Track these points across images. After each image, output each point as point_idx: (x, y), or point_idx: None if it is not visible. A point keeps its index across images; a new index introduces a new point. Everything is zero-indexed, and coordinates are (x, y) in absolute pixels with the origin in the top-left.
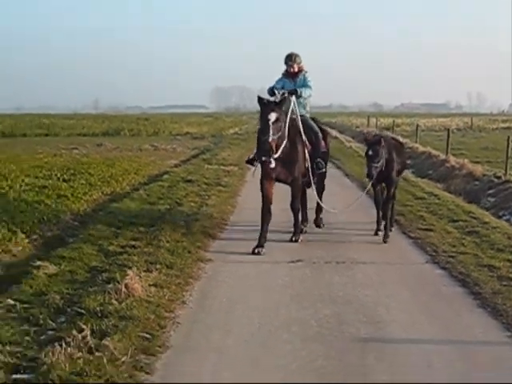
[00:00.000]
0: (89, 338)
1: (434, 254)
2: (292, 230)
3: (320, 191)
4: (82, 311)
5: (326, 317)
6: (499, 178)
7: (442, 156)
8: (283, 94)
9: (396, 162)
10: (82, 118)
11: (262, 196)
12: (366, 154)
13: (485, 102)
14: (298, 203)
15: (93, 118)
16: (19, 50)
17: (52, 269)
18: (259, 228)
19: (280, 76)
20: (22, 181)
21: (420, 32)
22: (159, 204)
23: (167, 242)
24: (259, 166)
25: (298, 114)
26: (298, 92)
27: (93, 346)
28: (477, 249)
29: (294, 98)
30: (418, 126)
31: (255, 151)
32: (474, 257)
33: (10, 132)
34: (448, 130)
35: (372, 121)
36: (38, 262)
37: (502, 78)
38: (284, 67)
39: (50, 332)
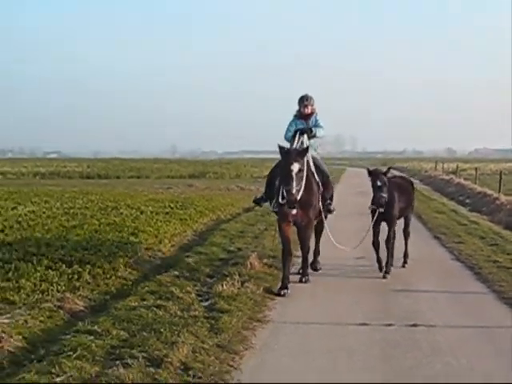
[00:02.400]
0: (236, 283)
1: (458, 255)
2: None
3: (319, 233)
4: (226, 274)
5: None
6: None
7: (495, 195)
8: (310, 131)
9: (397, 200)
10: (168, 162)
11: (282, 239)
12: (374, 184)
13: None
14: (308, 244)
15: (177, 163)
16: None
17: (195, 258)
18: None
19: (292, 118)
20: (147, 208)
21: (496, 72)
22: (257, 225)
23: (267, 247)
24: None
25: (311, 156)
26: (313, 131)
27: (238, 287)
28: (491, 253)
29: (306, 139)
30: (476, 169)
31: (263, 193)
32: (486, 257)
33: (104, 174)
34: (500, 172)
35: (440, 165)
36: (186, 254)
37: None
38: (296, 108)
39: (210, 282)
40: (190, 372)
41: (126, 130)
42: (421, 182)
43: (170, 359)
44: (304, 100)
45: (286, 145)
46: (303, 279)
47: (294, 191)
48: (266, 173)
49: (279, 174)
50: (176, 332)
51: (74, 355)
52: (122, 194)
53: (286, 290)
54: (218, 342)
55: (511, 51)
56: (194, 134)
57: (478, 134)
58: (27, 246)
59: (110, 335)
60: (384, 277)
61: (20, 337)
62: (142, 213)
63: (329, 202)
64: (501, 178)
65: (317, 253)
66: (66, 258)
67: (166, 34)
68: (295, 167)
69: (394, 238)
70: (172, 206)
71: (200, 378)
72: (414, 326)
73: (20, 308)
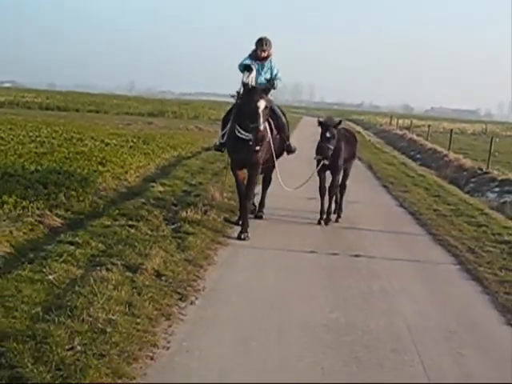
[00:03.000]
0: (199, 211)
1: (403, 202)
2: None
3: (267, 183)
4: (189, 203)
5: None
6: (481, 169)
7: (445, 152)
8: (270, 83)
9: (343, 151)
10: (127, 99)
11: (237, 183)
12: (322, 135)
13: None
14: (253, 190)
15: (135, 100)
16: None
17: (159, 189)
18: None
19: (247, 56)
20: (111, 141)
21: (461, 39)
22: (216, 163)
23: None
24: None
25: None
26: (275, 85)
27: (201, 214)
28: (433, 202)
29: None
30: (429, 126)
31: (220, 136)
32: (428, 205)
33: (63, 106)
34: (451, 130)
35: (395, 121)
36: (151, 184)
37: None
38: (252, 48)
39: (175, 210)
40: (163, 278)
41: (83, 61)
42: (375, 135)
43: (144, 267)
44: (263, 43)
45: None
46: (242, 235)
47: (261, 127)
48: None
49: (241, 112)
50: (148, 246)
51: (61, 259)
52: (85, 127)
53: (246, 234)
54: (184, 257)
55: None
56: (152, 71)
57: (436, 92)
58: (4, 167)
59: (89, 246)
60: (319, 222)
61: (8, 244)
62: (107, 145)
63: (288, 143)
64: (451, 137)
65: (262, 204)
66: (42, 180)
67: None
68: (262, 104)
69: (337, 186)
70: (135, 140)
71: (171, 283)
72: (356, 256)
73: (4, 221)
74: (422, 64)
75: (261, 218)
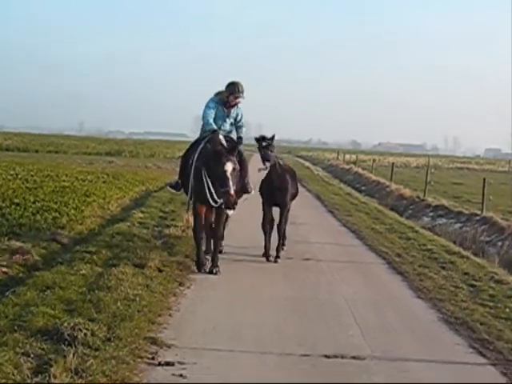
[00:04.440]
0: (179, 229)
1: (345, 223)
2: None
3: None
4: (168, 225)
5: None
6: (419, 197)
7: (388, 183)
8: (238, 141)
9: (290, 186)
10: (80, 139)
11: (196, 220)
12: (260, 146)
13: (460, 146)
14: (222, 230)
15: (90, 140)
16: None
17: (140, 215)
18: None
19: (213, 97)
20: (85, 177)
21: (402, 77)
22: (182, 195)
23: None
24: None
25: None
26: (241, 134)
27: (181, 232)
28: (371, 223)
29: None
30: (373, 160)
31: (178, 178)
32: (367, 225)
33: (24, 148)
34: (392, 164)
35: (342, 156)
36: (132, 211)
37: (478, 124)
38: (219, 89)
39: (158, 230)
40: (163, 272)
41: (30, 105)
42: (323, 169)
43: (149, 264)
44: (237, 90)
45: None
46: (214, 270)
47: (232, 192)
48: (178, 154)
49: (211, 173)
50: (147, 252)
51: (84, 261)
52: (53, 166)
53: (204, 267)
54: (176, 259)
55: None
56: (100, 112)
57: (384, 128)
58: (9, 198)
59: (101, 253)
60: (275, 261)
61: (35, 253)
62: (83, 180)
63: (246, 181)
64: (392, 170)
65: (222, 237)
66: (45, 208)
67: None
68: (229, 167)
69: (286, 223)
70: (105, 177)
71: (170, 275)
72: (307, 259)
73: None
74: (370, 101)
75: (220, 252)
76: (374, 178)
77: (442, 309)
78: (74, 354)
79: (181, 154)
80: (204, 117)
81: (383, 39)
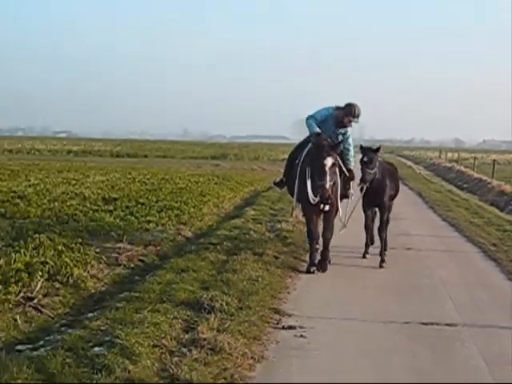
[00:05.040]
0: (289, 224)
1: (445, 218)
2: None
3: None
4: (280, 220)
5: None
6: None
7: (489, 180)
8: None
9: (389, 187)
10: (190, 144)
11: (308, 226)
12: (361, 160)
13: None
14: (331, 232)
15: (196, 145)
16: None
17: (252, 212)
18: None
19: (329, 109)
20: (198, 179)
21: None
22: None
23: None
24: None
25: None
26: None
27: (291, 227)
28: (470, 217)
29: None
30: (475, 158)
31: (283, 175)
32: (466, 219)
33: (133, 153)
34: (494, 161)
35: (444, 154)
36: (246, 209)
37: None
38: (338, 105)
39: (270, 225)
40: (279, 259)
41: (134, 111)
42: (425, 168)
43: (266, 253)
44: (354, 113)
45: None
46: (311, 269)
47: (327, 186)
48: (282, 156)
49: (311, 168)
50: (264, 243)
51: (210, 250)
52: (165, 170)
53: (314, 267)
54: (289, 250)
55: None
56: (203, 117)
57: (489, 125)
58: (134, 199)
59: (224, 244)
60: (381, 266)
61: (168, 245)
62: (197, 182)
63: (347, 187)
64: (494, 167)
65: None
66: (168, 207)
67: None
68: (328, 161)
69: (387, 224)
70: (215, 179)
71: (285, 262)
72: (408, 249)
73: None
74: (472, 99)
75: (329, 262)
76: (475, 175)
77: None
78: (214, 318)
79: (284, 155)
80: (308, 120)
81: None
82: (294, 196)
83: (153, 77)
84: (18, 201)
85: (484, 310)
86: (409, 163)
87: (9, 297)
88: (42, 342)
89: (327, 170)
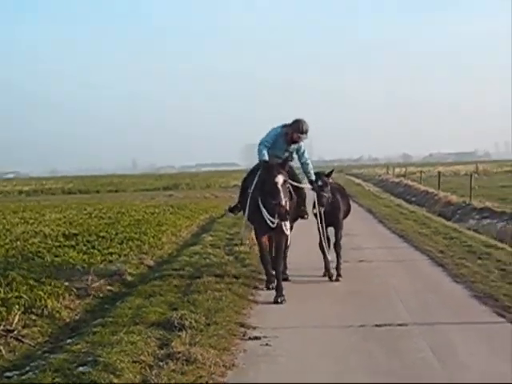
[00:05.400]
0: (246, 246)
1: (395, 230)
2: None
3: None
4: (236, 243)
5: None
6: (465, 202)
7: (436, 192)
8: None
9: (342, 205)
10: (141, 177)
11: (261, 249)
12: (315, 185)
13: None
14: (282, 258)
15: (146, 177)
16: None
17: (209, 238)
18: None
19: (277, 127)
20: (153, 210)
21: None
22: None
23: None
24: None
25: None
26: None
27: (248, 249)
28: (418, 228)
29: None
30: (421, 172)
31: (238, 201)
32: (414, 230)
33: (85, 190)
34: (439, 173)
35: (391, 170)
36: (203, 235)
37: None
38: (285, 123)
39: (228, 249)
40: (239, 279)
41: (81, 147)
42: (374, 185)
43: (227, 274)
44: (301, 129)
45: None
46: (279, 299)
47: (283, 203)
48: (233, 182)
49: (262, 186)
50: (223, 266)
51: (173, 276)
52: (120, 203)
53: (282, 297)
54: (248, 269)
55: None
56: (151, 148)
57: (435, 138)
58: (95, 233)
59: (184, 269)
60: (337, 279)
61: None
62: (152, 213)
63: (302, 207)
64: (439, 178)
65: (284, 265)
66: (128, 238)
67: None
68: (280, 179)
69: (341, 240)
70: (171, 209)
71: (246, 281)
72: (361, 261)
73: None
74: (418, 113)
75: (286, 279)
76: (422, 188)
77: (474, 288)
78: (185, 334)
79: (236, 182)
80: (259, 146)
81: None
82: (245, 217)
83: (98, 109)
84: None
85: (431, 310)
86: (358, 181)
87: None
88: (28, 368)
89: (280, 188)
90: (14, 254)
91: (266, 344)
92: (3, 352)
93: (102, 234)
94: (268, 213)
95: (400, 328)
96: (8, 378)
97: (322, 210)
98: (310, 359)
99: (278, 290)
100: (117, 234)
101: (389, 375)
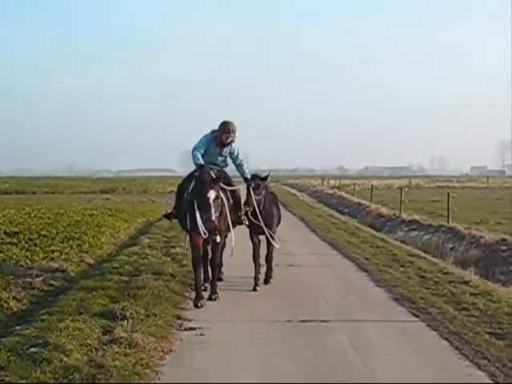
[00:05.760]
0: (183, 248)
1: (325, 238)
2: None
3: (222, 247)
4: (173, 245)
5: None
6: (395, 215)
7: (368, 204)
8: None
9: (276, 214)
10: (78, 179)
11: (193, 250)
12: (248, 187)
13: (447, 166)
14: (218, 259)
15: (82, 180)
16: None
17: (147, 240)
18: None
19: (207, 134)
20: (91, 212)
21: (383, 97)
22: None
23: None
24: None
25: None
26: (250, 181)
27: (185, 251)
28: (348, 237)
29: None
30: (355, 184)
31: (173, 208)
32: (344, 239)
33: (22, 190)
34: (371, 186)
35: (326, 182)
36: (141, 237)
37: (462, 143)
38: (213, 128)
39: (165, 250)
40: (176, 278)
41: (15, 148)
42: (309, 196)
43: (165, 271)
44: (228, 130)
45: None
46: (213, 297)
47: (213, 218)
48: (170, 188)
49: (197, 202)
50: (161, 266)
51: (113, 273)
52: (57, 205)
53: (202, 301)
54: (185, 269)
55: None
56: (87, 151)
57: (370, 153)
58: (36, 231)
59: (124, 267)
60: (254, 289)
61: (72, 272)
62: (91, 215)
63: (240, 214)
64: (371, 191)
65: (220, 265)
66: (68, 237)
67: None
68: (212, 194)
69: (272, 251)
70: (108, 212)
71: (182, 280)
72: (290, 265)
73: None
74: (355, 127)
75: (220, 279)
76: (355, 200)
77: (394, 292)
78: (127, 323)
79: (172, 188)
80: (193, 152)
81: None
82: (184, 225)
83: (34, 110)
84: None
85: (353, 310)
86: (293, 191)
87: None
88: None
89: (211, 203)
90: None
91: (201, 334)
92: None
93: (43, 233)
94: (201, 223)
95: (323, 324)
96: None
97: (250, 209)
98: (240, 348)
99: (213, 287)
100: (57, 233)
101: (309, 363)
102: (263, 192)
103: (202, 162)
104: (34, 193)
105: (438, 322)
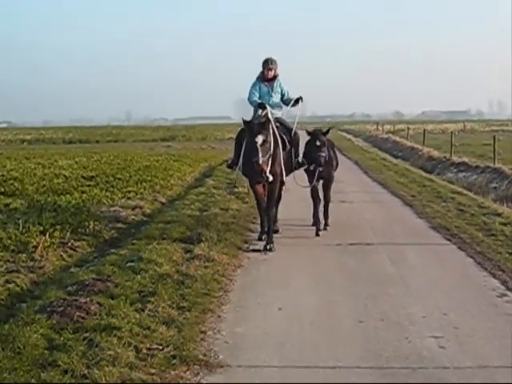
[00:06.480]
0: (246, 189)
1: (376, 179)
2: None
3: (278, 199)
4: (236, 186)
5: None
6: (445, 157)
7: (420, 148)
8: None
9: (334, 161)
10: (138, 128)
11: (256, 197)
12: (312, 144)
13: (506, 110)
14: (273, 207)
15: (143, 128)
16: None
17: (211, 182)
18: None
19: (254, 80)
20: (158, 158)
21: (444, 41)
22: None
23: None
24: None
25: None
26: (303, 99)
27: (246, 191)
28: (398, 178)
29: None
30: (408, 128)
31: (234, 156)
32: (393, 180)
33: (86, 140)
34: (424, 130)
35: (381, 127)
36: (206, 179)
37: None
38: (259, 70)
39: (228, 190)
40: (240, 212)
41: (73, 98)
42: (364, 140)
43: (231, 208)
44: (268, 63)
45: (250, 108)
46: (268, 246)
47: (260, 161)
48: (228, 135)
49: (245, 145)
50: (227, 202)
51: (185, 208)
52: (123, 152)
53: (272, 245)
54: (248, 205)
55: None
56: (145, 100)
57: (428, 97)
58: (114, 174)
59: (194, 204)
60: (324, 228)
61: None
62: (157, 161)
63: (297, 159)
64: (424, 135)
65: (275, 218)
66: (145, 178)
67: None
68: (259, 139)
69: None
70: (173, 157)
71: (247, 214)
72: (343, 202)
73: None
74: (412, 70)
75: (275, 231)
76: (408, 144)
77: (433, 222)
78: (203, 244)
79: (230, 135)
80: (249, 97)
81: None
82: (236, 171)
83: (87, 60)
84: (13, 181)
85: (394, 236)
86: (348, 136)
87: (53, 240)
88: (88, 265)
89: (258, 147)
90: (45, 191)
91: (265, 254)
92: (64, 256)
93: (118, 176)
94: (248, 168)
95: (368, 246)
96: (72, 273)
97: (321, 169)
98: (297, 264)
99: (269, 237)
100: (130, 176)
101: (352, 272)
102: (326, 148)
103: (259, 100)
104: (97, 141)
105: (467, 245)
